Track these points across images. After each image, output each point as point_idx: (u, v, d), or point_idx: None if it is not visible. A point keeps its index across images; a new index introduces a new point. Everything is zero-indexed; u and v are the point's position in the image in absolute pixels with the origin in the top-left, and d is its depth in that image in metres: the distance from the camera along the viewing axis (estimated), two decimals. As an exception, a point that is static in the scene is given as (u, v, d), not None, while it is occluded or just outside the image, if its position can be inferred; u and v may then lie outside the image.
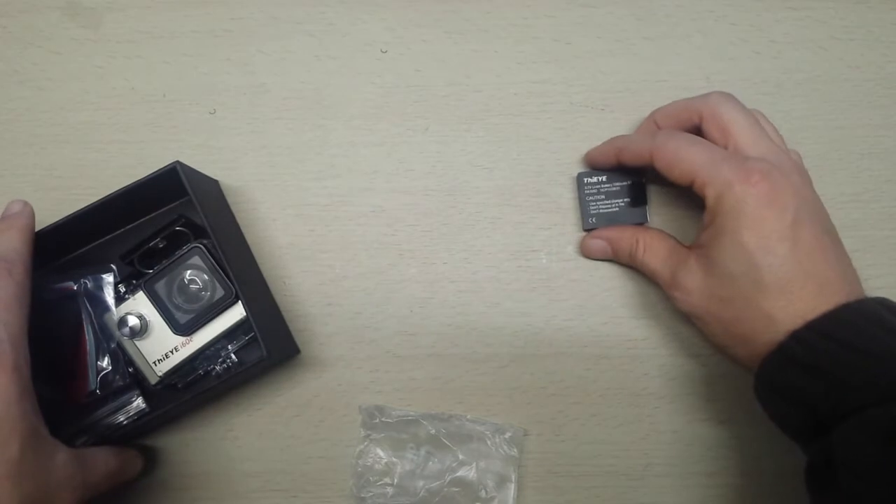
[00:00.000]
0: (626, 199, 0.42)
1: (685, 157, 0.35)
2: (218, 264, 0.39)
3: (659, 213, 0.43)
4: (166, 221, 0.41)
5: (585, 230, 0.43)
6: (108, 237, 0.42)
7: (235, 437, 0.43)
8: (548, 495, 0.42)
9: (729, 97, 0.37)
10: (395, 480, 0.42)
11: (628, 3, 0.45)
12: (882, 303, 0.33)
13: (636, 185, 0.42)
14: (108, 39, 0.45)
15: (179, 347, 0.40)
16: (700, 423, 0.42)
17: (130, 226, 0.43)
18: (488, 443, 0.41)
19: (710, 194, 0.35)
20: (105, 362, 0.40)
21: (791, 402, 0.32)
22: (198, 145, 0.44)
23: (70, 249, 0.42)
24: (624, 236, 0.41)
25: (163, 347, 0.40)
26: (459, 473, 0.41)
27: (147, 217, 0.43)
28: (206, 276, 0.39)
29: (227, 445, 0.43)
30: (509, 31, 0.45)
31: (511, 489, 0.41)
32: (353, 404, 0.43)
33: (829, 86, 0.44)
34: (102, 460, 0.36)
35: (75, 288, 0.40)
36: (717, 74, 0.44)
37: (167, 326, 0.39)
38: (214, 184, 0.43)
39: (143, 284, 0.39)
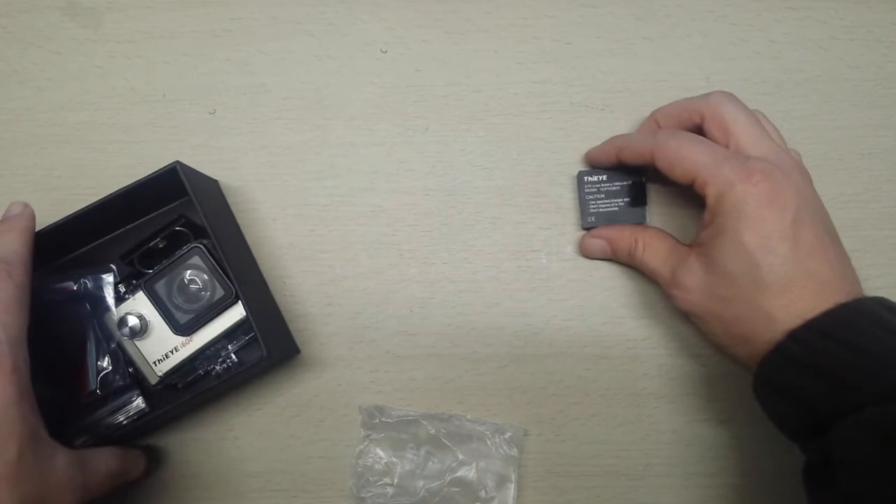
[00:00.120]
0: (625, 199, 0.42)
1: (686, 156, 0.35)
2: (218, 264, 0.39)
3: (659, 212, 0.43)
4: (166, 221, 0.41)
5: (584, 228, 0.43)
6: (108, 237, 0.42)
7: (235, 437, 0.43)
8: (548, 495, 0.42)
9: (730, 97, 0.37)
10: (395, 480, 0.42)
11: (628, 3, 0.45)
12: (881, 302, 0.33)
13: (636, 186, 0.42)
14: (108, 39, 0.45)
15: (179, 347, 0.40)
16: (700, 424, 0.42)
17: (130, 226, 0.43)
18: (488, 443, 0.41)
19: (710, 193, 0.35)
20: (105, 362, 0.40)
21: (790, 402, 0.32)
22: (198, 145, 0.44)
23: (70, 249, 0.42)
24: (623, 235, 0.41)
25: (163, 347, 0.40)
26: (459, 473, 0.41)
27: (147, 217, 0.43)
28: (205, 276, 0.39)
29: (227, 445, 0.43)
30: (509, 31, 0.45)
31: (511, 489, 0.41)
32: (353, 404, 0.43)
33: (829, 86, 0.44)
34: (103, 461, 0.35)
35: (75, 288, 0.40)
36: (717, 74, 0.44)
37: (167, 326, 0.39)
38: (214, 184, 0.43)
39: (143, 284, 0.39)
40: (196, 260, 0.39)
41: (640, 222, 0.42)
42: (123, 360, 0.40)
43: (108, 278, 0.40)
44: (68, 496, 0.32)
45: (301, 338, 0.43)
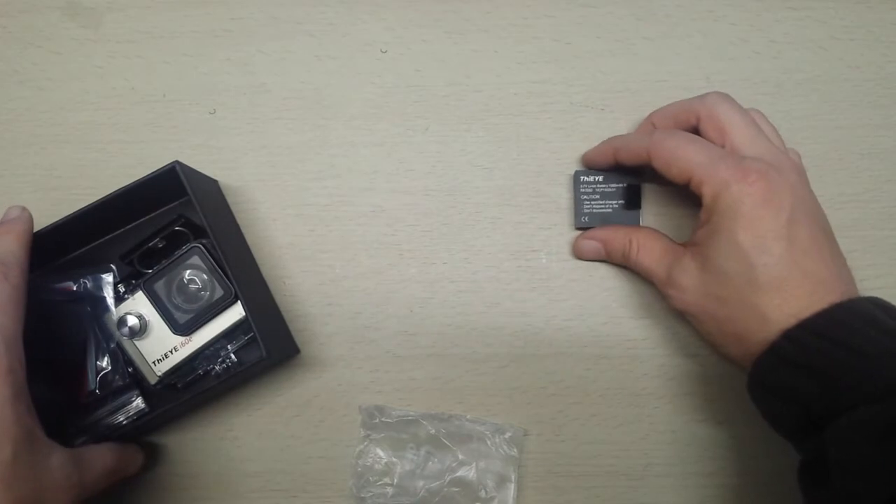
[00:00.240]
0: (620, 202, 0.42)
1: (682, 156, 0.35)
2: (217, 264, 0.39)
3: (654, 213, 0.43)
4: (166, 221, 0.41)
5: (577, 228, 0.43)
6: (107, 237, 0.42)
7: (235, 437, 0.43)
8: (548, 495, 0.42)
9: (726, 97, 0.37)
10: (395, 480, 0.42)
11: (628, 3, 0.45)
12: (875, 302, 0.33)
13: (632, 189, 0.42)
14: (108, 39, 0.45)
15: (179, 347, 0.40)
16: (699, 424, 0.42)
17: (130, 226, 0.43)
18: (488, 443, 0.41)
19: (706, 193, 0.35)
20: (104, 362, 0.40)
21: (784, 401, 0.32)
22: (198, 145, 0.44)
23: (70, 249, 0.42)
24: (617, 236, 0.41)
25: (162, 347, 0.40)
26: (459, 473, 0.41)
27: (147, 217, 0.43)
28: (205, 276, 0.39)
29: (227, 445, 0.43)
30: (509, 31, 0.45)
31: (511, 489, 0.41)
32: (353, 404, 0.43)
33: (829, 86, 0.44)
34: (100, 458, 0.35)
35: (75, 288, 0.40)
36: (717, 74, 0.44)
37: (166, 326, 0.39)
38: (214, 184, 0.43)
39: (142, 284, 0.39)
40: (195, 260, 0.39)
41: (634, 225, 0.42)
42: (123, 359, 0.40)
43: (108, 278, 0.40)
44: (65, 495, 0.32)
45: (301, 338, 0.43)
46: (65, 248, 0.42)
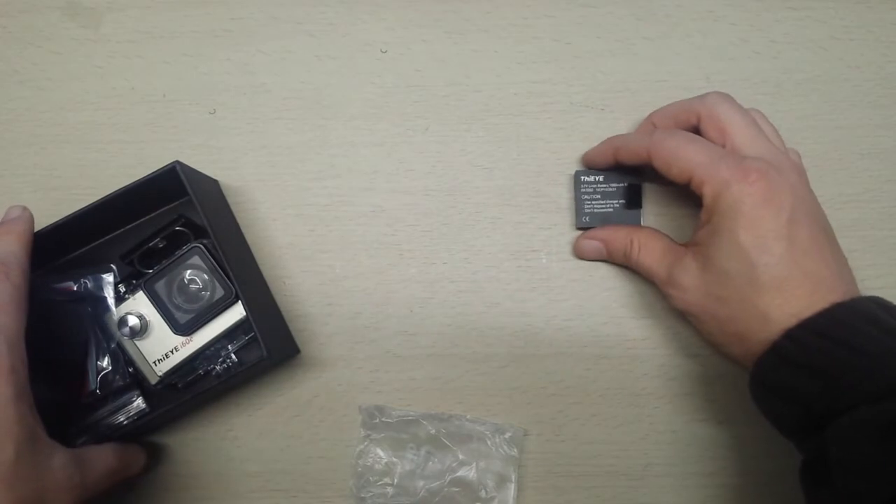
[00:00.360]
0: (621, 201, 0.42)
1: (683, 156, 0.35)
2: (218, 264, 0.39)
3: (655, 213, 0.43)
4: (166, 221, 0.41)
5: (578, 228, 0.43)
6: (108, 237, 0.42)
7: (235, 437, 0.43)
8: (548, 495, 0.42)
9: (726, 97, 0.37)
10: (395, 480, 0.42)
11: (628, 3, 0.45)
12: (876, 301, 0.33)
13: (632, 188, 0.42)
14: (108, 39, 0.45)
15: (179, 347, 0.40)
16: (699, 424, 0.42)
17: (130, 226, 0.43)
18: (488, 443, 0.41)
19: (707, 193, 0.35)
20: (105, 362, 0.40)
21: (785, 401, 0.32)
22: (198, 145, 0.44)
23: (70, 249, 0.42)
24: (618, 236, 0.41)
25: (163, 347, 0.40)
26: (459, 473, 0.41)
27: (147, 217, 0.43)
28: (205, 276, 0.39)
29: (227, 445, 0.43)
30: (509, 31, 0.45)
31: (511, 489, 0.41)
32: (353, 404, 0.43)
33: (829, 86, 0.44)
34: (102, 459, 0.35)
35: (75, 288, 0.40)
36: (717, 74, 0.44)
37: (167, 326, 0.39)
38: (214, 184, 0.43)
39: (142, 284, 0.39)
40: (196, 260, 0.39)
41: (635, 224, 0.42)
42: (123, 359, 0.40)
43: (108, 278, 0.40)
44: (66, 496, 0.32)
45: (301, 338, 0.43)
46: (65, 248, 0.42)
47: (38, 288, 0.36)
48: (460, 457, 0.41)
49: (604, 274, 0.43)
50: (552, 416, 0.42)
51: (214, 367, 0.41)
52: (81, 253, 0.42)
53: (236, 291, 0.38)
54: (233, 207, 0.44)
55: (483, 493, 0.41)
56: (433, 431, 0.42)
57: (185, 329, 0.39)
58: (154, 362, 0.40)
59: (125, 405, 0.40)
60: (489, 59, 0.45)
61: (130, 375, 0.40)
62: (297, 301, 0.43)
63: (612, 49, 0.44)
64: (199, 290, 0.39)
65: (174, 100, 0.45)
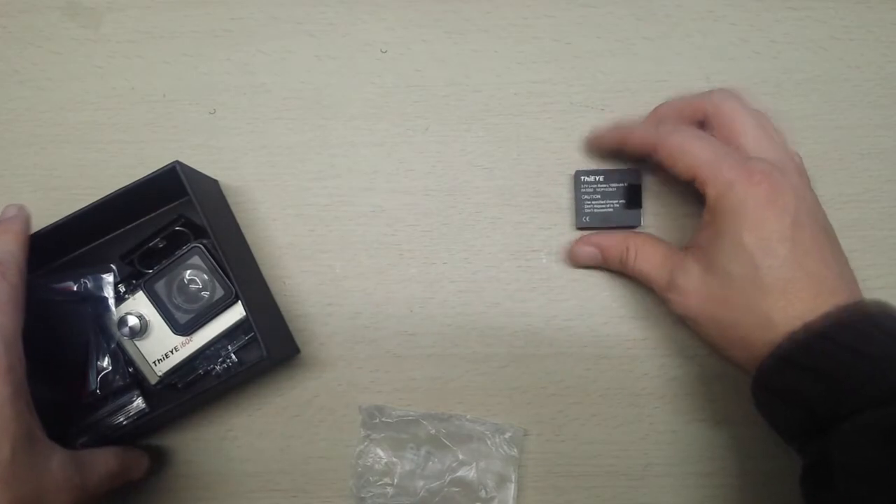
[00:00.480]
0: (621, 201, 0.42)
1: (689, 151, 0.35)
2: (218, 264, 0.39)
3: (655, 213, 0.43)
4: (166, 221, 0.41)
5: (579, 228, 0.43)
6: (108, 237, 0.42)
7: (235, 437, 0.43)
8: (548, 495, 0.42)
9: (733, 94, 0.37)
10: (395, 480, 0.42)
11: (628, 3, 0.45)
12: (880, 304, 0.33)
13: (632, 188, 0.42)
14: (108, 39, 0.45)
15: (179, 347, 0.40)
16: (700, 424, 0.42)
17: (130, 226, 0.43)
18: (488, 443, 0.41)
19: (710, 193, 0.35)
20: (105, 362, 0.40)
21: (788, 404, 0.32)
22: (198, 145, 0.44)
23: (70, 249, 0.42)
24: (613, 243, 0.40)
25: (163, 347, 0.40)
26: (459, 473, 0.41)
27: (147, 217, 0.43)
28: (205, 276, 0.39)
29: (227, 445, 0.43)
30: (509, 31, 0.45)
31: (511, 489, 0.41)
32: (353, 404, 0.43)
33: (829, 86, 0.44)
34: (102, 461, 0.35)
35: (75, 288, 0.40)
36: (717, 74, 0.44)
37: (167, 326, 0.39)
38: (214, 184, 0.43)
39: (142, 284, 0.40)
40: (196, 260, 0.39)
41: (635, 224, 0.42)
42: (123, 360, 0.40)
43: (108, 278, 0.40)
44: (65, 496, 0.32)
45: (301, 338, 0.43)
46: (65, 248, 0.42)
47: (37, 288, 0.36)
48: (460, 457, 0.41)
49: (604, 274, 0.43)
50: (552, 416, 0.42)
51: (214, 367, 0.41)
52: (81, 253, 0.42)
53: (236, 291, 0.38)
54: (233, 207, 0.44)
55: (483, 493, 0.41)
56: (433, 431, 0.42)
57: (184, 329, 0.39)
58: (154, 362, 0.40)
59: (125, 405, 0.40)
60: (489, 59, 0.45)
61: (130, 375, 0.40)
62: (297, 301, 0.43)
63: (612, 49, 0.44)
64: (199, 290, 0.39)
65: (174, 100, 0.45)
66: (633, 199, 0.42)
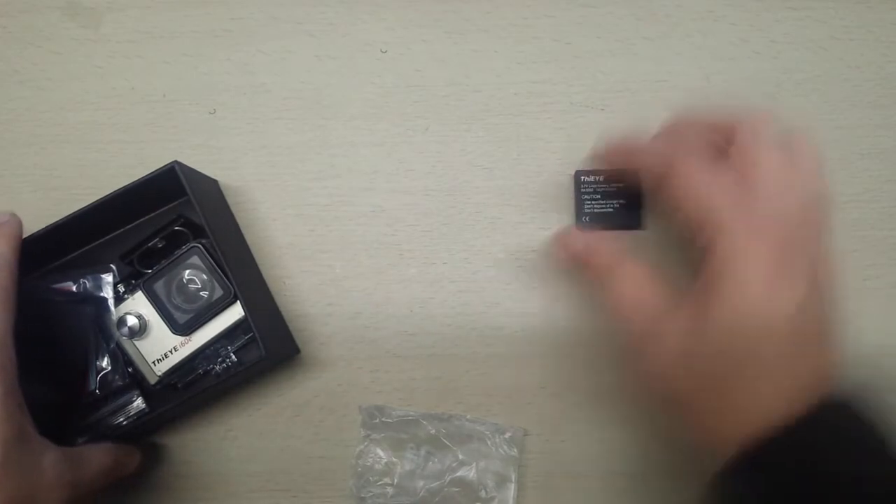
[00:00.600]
0: (621, 201, 0.42)
1: (701, 194, 0.32)
2: (217, 264, 0.39)
3: (655, 212, 0.43)
4: (165, 221, 0.41)
5: (579, 228, 0.43)
6: (107, 237, 0.42)
7: (235, 437, 0.43)
8: (548, 495, 0.42)
9: (765, 124, 0.33)
10: (395, 480, 0.42)
11: (628, 3, 0.45)
12: (851, 406, 0.30)
13: (633, 189, 0.41)
14: (108, 39, 0.45)
15: (178, 347, 0.40)
16: (700, 424, 0.42)
17: (130, 226, 0.42)
18: (488, 443, 0.41)
19: (716, 250, 0.31)
20: (104, 362, 0.40)
21: None
22: (198, 145, 0.44)
23: (70, 249, 0.42)
24: (604, 249, 0.37)
25: (162, 347, 0.40)
26: (459, 473, 0.41)
27: (146, 217, 0.43)
28: (204, 276, 0.39)
29: (227, 445, 0.43)
30: (509, 31, 0.45)
31: (511, 489, 0.41)
32: (353, 404, 0.43)
33: (829, 86, 0.44)
34: (95, 458, 0.35)
35: (75, 288, 0.40)
36: (717, 74, 0.44)
37: (166, 326, 0.39)
38: (214, 184, 0.43)
39: (142, 284, 0.40)
40: (195, 260, 0.39)
41: (636, 226, 0.42)
42: (123, 360, 0.40)
43: (108, 278, 0.40)
44: (58, 494, 0.32)
45: (301, 338, 0.43)
46: (65, 248, 0.42)
47: (37, 288, 0.36)
48: (460, 457, 0.41)
49: (604, 274, 0.43)
50: (552, 416, 0.42)
51: (214, 367, 0.41)
52: (81, 253, 0.42)
53: (235, 291, 0.38)
54: (233, 207, 0.44)
55: (483, 493, 0.41)
56: (433, 431, 0.42)
57: (184, 329, 0.39)
58: (153, 362, 0.40)
59: (125, 405, 0.40)
60: (489, 59, 0.45)
61: (130, 375, 0.40)
62: (297, 301, 0.43)
63: (612, 49, 0.44)
64: (198, 289, 0.39)
65: (174, 100, 0.45)
66: (633, 199, 0.42)
